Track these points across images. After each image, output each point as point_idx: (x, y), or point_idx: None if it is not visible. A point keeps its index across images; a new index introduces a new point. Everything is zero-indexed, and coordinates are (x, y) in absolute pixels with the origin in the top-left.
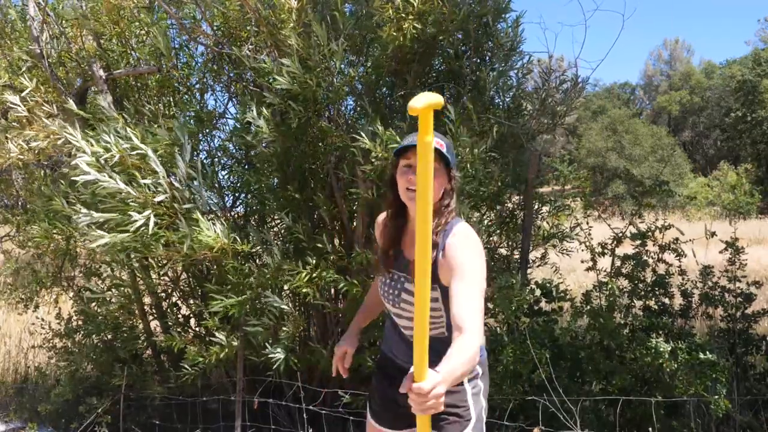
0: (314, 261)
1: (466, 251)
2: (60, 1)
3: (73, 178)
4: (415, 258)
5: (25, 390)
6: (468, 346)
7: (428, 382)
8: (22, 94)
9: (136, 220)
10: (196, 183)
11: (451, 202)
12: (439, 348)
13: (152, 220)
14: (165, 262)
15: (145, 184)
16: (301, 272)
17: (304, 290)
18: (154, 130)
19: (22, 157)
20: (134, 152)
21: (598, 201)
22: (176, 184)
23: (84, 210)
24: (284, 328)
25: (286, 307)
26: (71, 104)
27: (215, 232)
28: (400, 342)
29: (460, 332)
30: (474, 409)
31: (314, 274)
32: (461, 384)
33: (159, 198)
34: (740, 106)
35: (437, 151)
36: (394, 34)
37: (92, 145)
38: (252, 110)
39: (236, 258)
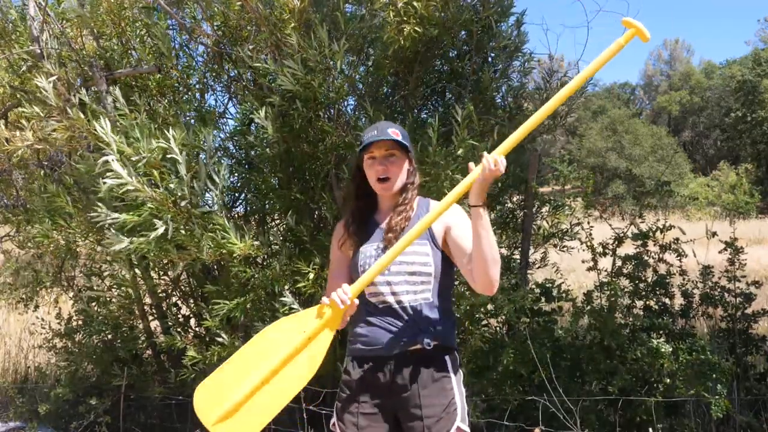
0: (320, 262)
1: (460, 210)
2: (60, 1)
3: (105, 181)
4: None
5: (25, 390)
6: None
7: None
8: (49, 80)
9: (158, 227)
10: (211, 186)
11: (415, 179)
12: (422, 315)
13: (171, 225)
14: (166, 262)
15: (168, 187)
16: (309, 272)
17: (311, 291)
18: (176, 132)
19: (39, 146)
20: (162, 154)
21: (598, 201)
22: (195, 187)
23: (114, 214)
24: None
25: (297, 307)
26: (86, 99)
27: (245, 238)
28: (381, 322)
29: None
30: (459, 398)
31: (323, 273)
32: (446, 367)
33: (183, 203)
34: (740, 106)
35: (395, 141)
36: (395, 36)
37: (121, 143)
38: (260, 111)
39: (245, 260)
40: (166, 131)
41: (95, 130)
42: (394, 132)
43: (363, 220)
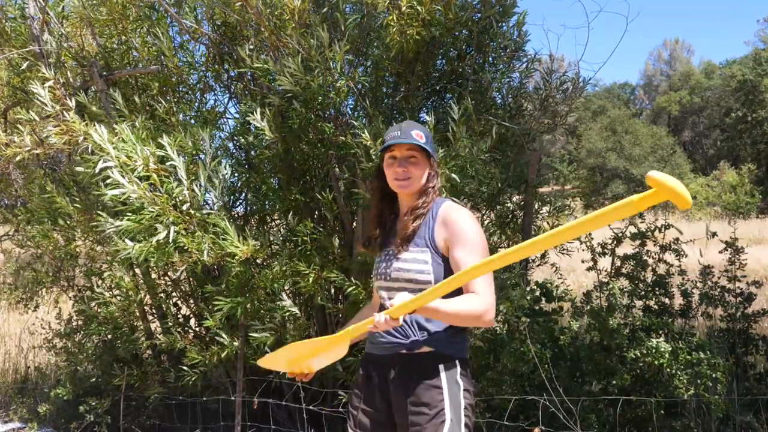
0: (320, 262)
1: (466, 221)
2: (61, 1)
3: (107, 192)
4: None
5: (25, 390)
6: (475, 304)
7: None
8: (45, 85)
9: (160, 232)
10: (212, 189)
11: (436, 182)
12: (417, 322)
13: (173, 229)
14: (167, 264)
15: (168, 192)
16: (309, 274)
17: (311, 291)
18: (176, 135)
19: (37, 151)
20: (162, 161)
21: (598, 201)
22: (196, 191)
23: (116, 222)
24: (290, 333)
25: (296, 310)
26: (85, 101)
27: (245, 240)
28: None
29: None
30: (449, 410)
31: (323, 274)
32: (437, 376)
33: (185, 206)
34: (740, 106)
35: (416, 146)
36: (398, 39)
37: (117, 150)
38: (255, 112)
39: (245, 262)
40: (164, 134)
41: (92, 136)
42: (418, 134)
43: (385, 224)
